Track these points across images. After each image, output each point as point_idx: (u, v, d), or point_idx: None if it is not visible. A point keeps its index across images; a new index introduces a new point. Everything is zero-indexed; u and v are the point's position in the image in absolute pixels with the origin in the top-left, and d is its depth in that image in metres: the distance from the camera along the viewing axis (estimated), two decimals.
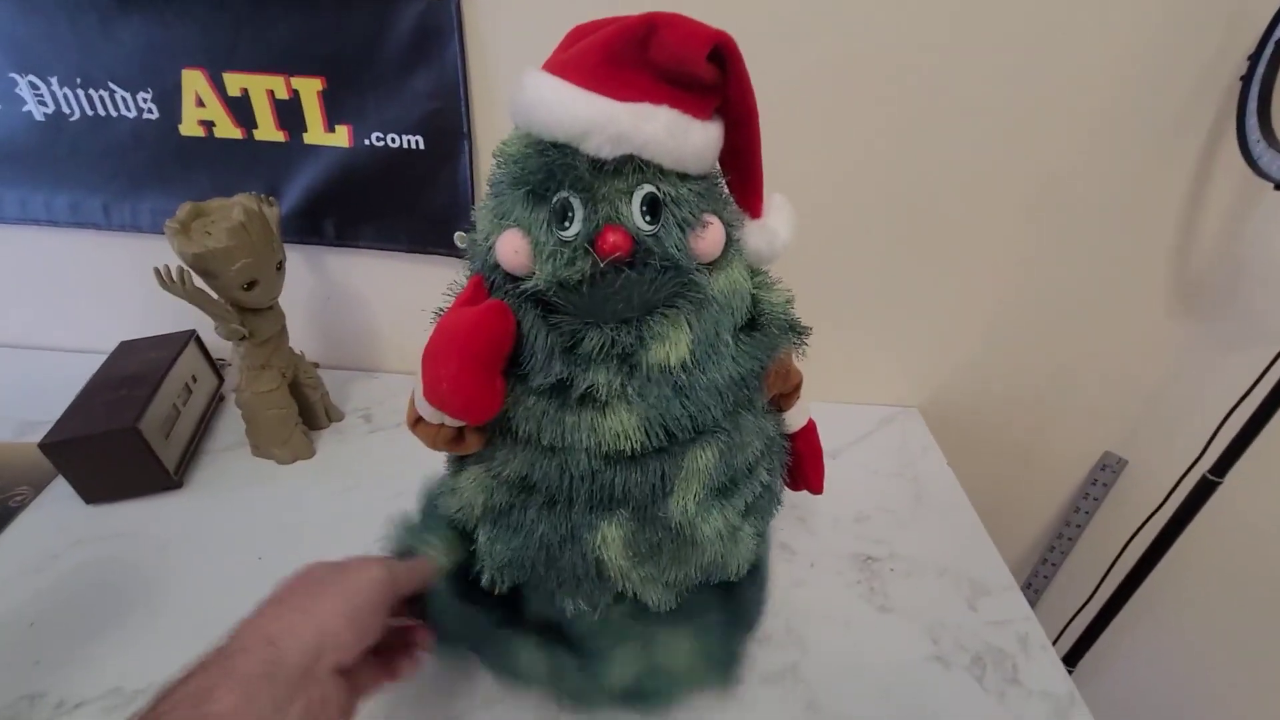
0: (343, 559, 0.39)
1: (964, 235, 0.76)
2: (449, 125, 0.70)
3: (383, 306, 0.86)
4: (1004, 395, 0.89)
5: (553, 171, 0.32)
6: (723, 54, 0.31)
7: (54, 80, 0.70)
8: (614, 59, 0.32)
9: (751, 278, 0.39)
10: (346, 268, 0.82)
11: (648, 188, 0.33)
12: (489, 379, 0.34)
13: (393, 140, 0.71)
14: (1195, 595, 0.80)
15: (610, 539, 0.39)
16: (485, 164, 0.73)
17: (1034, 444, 0.92)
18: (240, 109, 0.71)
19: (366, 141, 0.72)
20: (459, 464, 0.45)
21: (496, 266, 0.35)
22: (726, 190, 0.38)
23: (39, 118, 0.72)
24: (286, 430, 0.71)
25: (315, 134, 0.72)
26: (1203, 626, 0.80)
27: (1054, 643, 0.61)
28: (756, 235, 0.38)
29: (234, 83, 0.69)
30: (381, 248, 0.79)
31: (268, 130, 0.72)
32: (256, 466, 0.73)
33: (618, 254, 0.32)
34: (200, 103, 0.71)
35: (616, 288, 0.33)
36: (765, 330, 0.38)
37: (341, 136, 0.72)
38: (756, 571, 0.49)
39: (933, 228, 0.76)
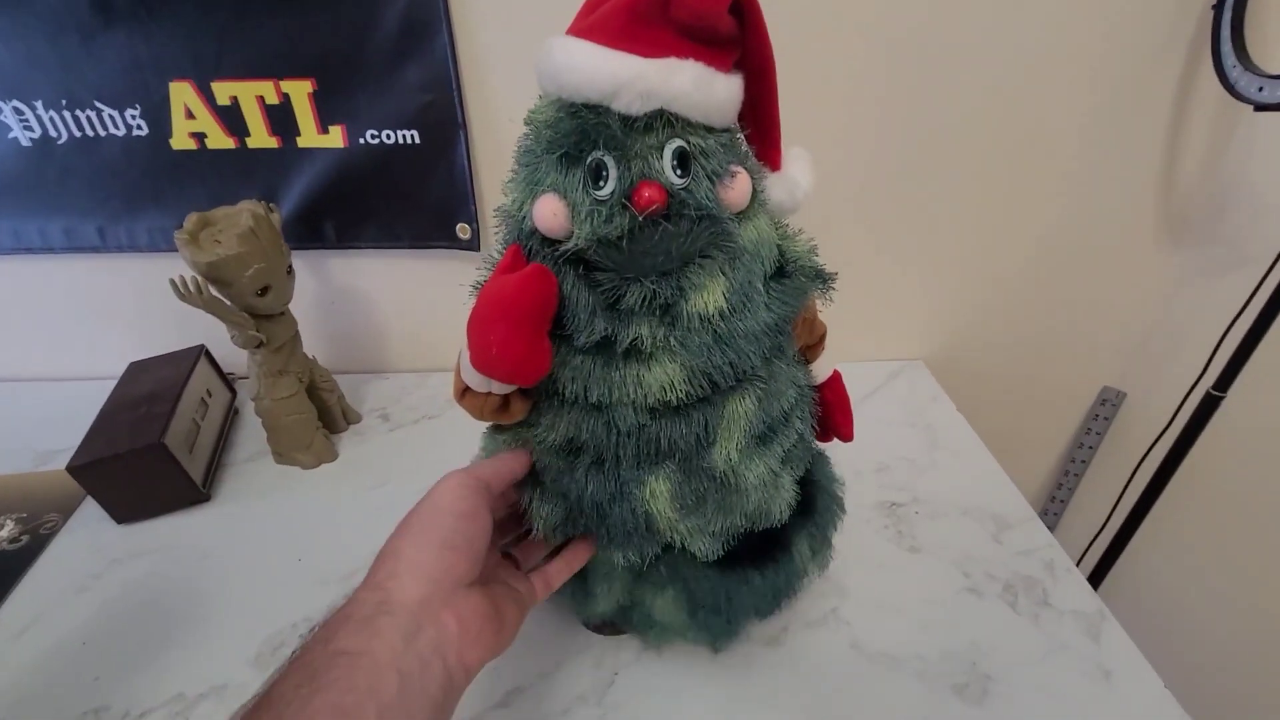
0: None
1: (954, 187, 0.78)
2: (443, 117, 0.70)
3: (388, 306, 0.86)
4: (1004, 340, 0.91)
5: (586, 132, 0.33)
6: (743, 6, 0.33)
7: (39, 104, 0.70)
8: (638, 18, 0.32)
9: (774, 228, 0.40)
10: (349, 269, 0.83)
11: (678, 141, 0.33)
12: (537, 340, 0.35)
13: (388, 136, 0.71)
14: (1206, 509, 0.83)
15: (658, 492, 0.40)
16: (482, 153, 0.74)
17: (1036, 385, 0.95)
18: (231, 118, 0.71)
19: (361, 140, 0.72)
20: (497, 433, 0.46)
21: (534, 233, 0.36)
22: (746, 144, 0.39)
23: (25, 143, 0.72)
24: (308, 434, 0.72)
25: (309, 137, 0.72)
26: (1216, 537, 0.83)
27: (1076, 566, 0.64)
28: (778, 186, 0.39)
29: (223, 91, 0.69)
30: (383, 246, 0.79)
31: (260, 137, 0.72)
32: (281, 473, 0.73)
33: (654, 207, 0.33)
34: (190, 114, 0.70)
35: (655, 240, 0.33)
36: (794, 277, 0.40)
37: (336, 137, 0.72)
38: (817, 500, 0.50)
39: (924, 182, 0.78)
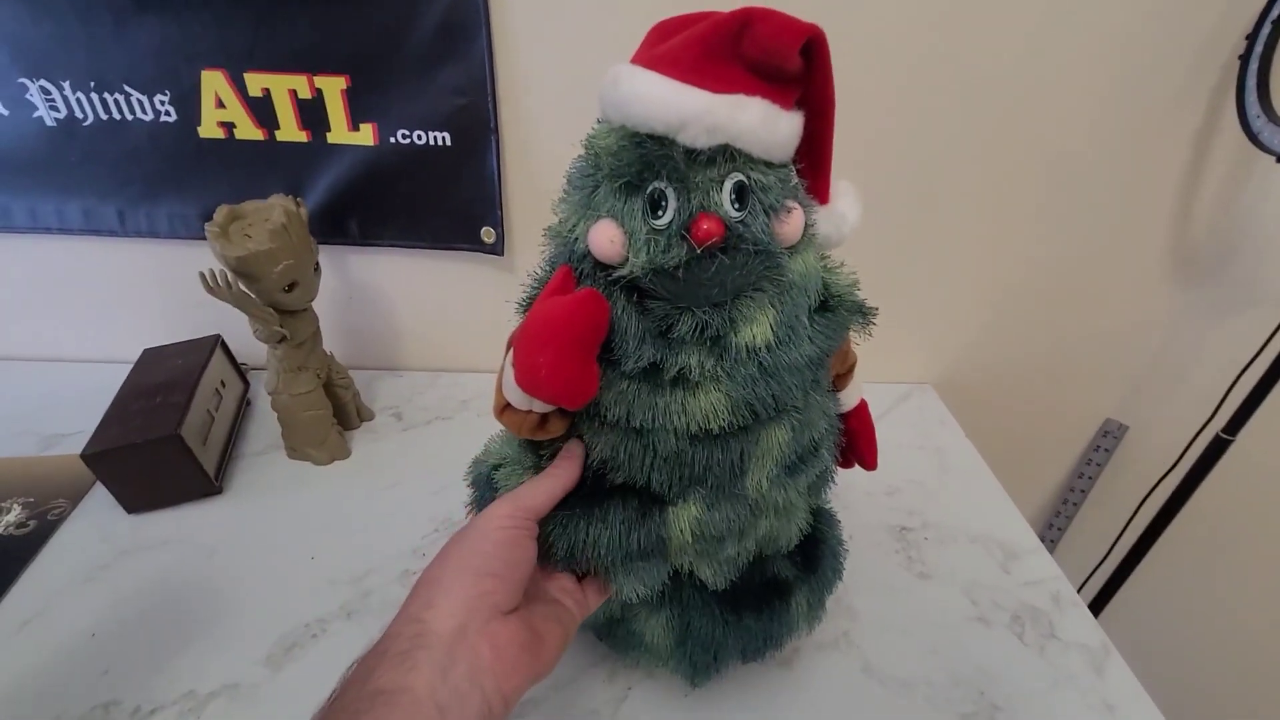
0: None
1: (969, 215, 0.79)
2: (476, 121, 0.70)
3: (405, 304, 0.86)
4: (1011, 368, 0.93)
5: (650, 162, 0.33)
6: (813, 47, 0.33)
7: (66, 84, 0.69)
8: (710, 53, 0.33)
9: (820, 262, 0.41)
10: (369, 266, 0.82)
11: (738, 175, 0.34)
12: (587, 364, 0.35)
13: (419, 137, 0.71)
14: (1208, 548, 0.85)
15: (686, 516, 0.40)
16: (513, 158, 0.74)
17: (1040, 413, 0.96)
18: (262, 109, 0.70)
19: (392, 140, 0.71)
20: (536, 448, 0.45)
21: (586, 256, 0.37)
22: (797, 178, 0.39)
23: (50, 123, 0.71)
24: (323, 431, 0.72)
25: (339, 133, 0.71)
26: (1217, 577, 0.85)
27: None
28: (825, 220, 0.40)
29: (255, 83, 0.69)
30: (404, 245, 0.79)
31: (290, 130, 0.71)
32: (294, 469, 0.73)
33: (713, 240, 0.33)
34: (220, 104, 0.70)
35: (711, 272, 0.34)
36: (836, 311, 0.40)
37: (366, 135, 0.71)
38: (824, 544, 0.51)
39: (938, 209, 0.79)
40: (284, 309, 0.64)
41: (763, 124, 0.33)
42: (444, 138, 0.71)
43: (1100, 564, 0.87)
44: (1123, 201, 0.78)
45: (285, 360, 0.67)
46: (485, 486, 0.49)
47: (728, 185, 0.34)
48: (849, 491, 0.72)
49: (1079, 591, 0.90)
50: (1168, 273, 0.83)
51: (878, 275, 0.85)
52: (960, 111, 0.72)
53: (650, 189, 0.34)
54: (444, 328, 0.87)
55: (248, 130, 0.71)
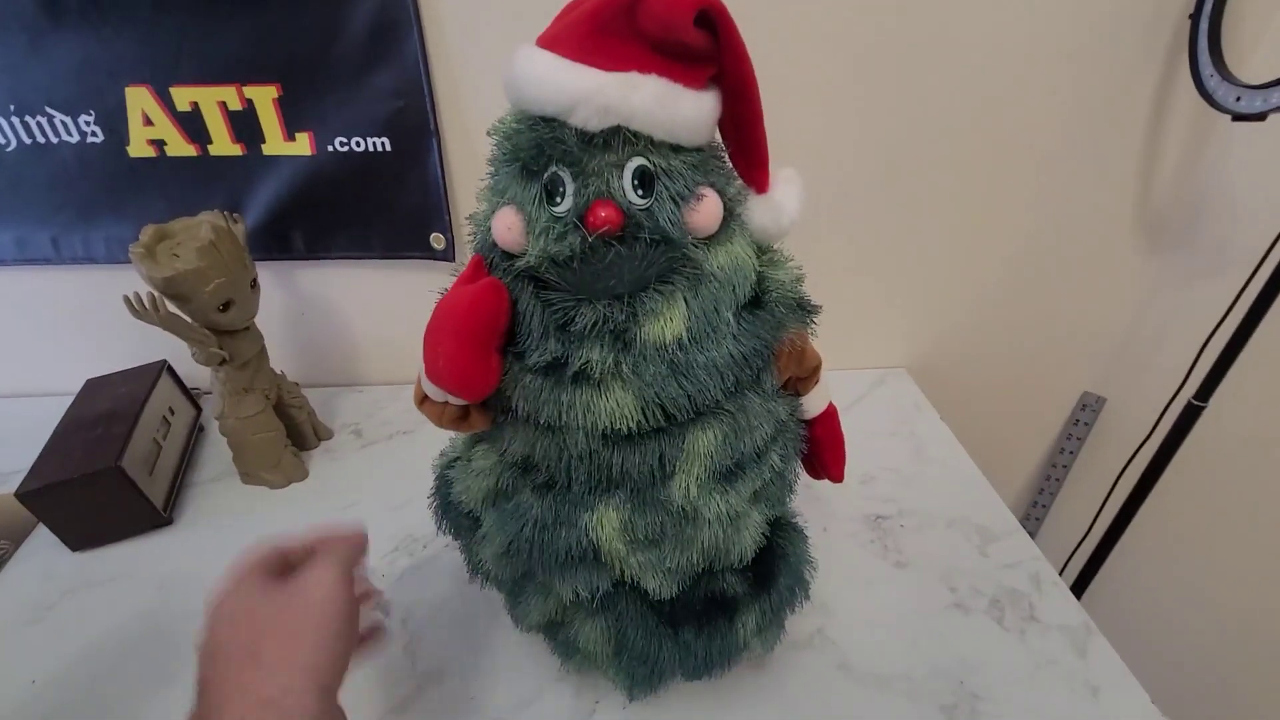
0: (290, 575, 0.36)
1: (935, 196, 0.78)
2: (415, 123, 0.68)
3: (360, 317, 0.83)
4: (986, 347, 0.91)
5: (542, 146, 0.32)
6: (712, 19, 0.31)
7: None
8: (603, 29, 0.31)
9: (759, 254, 0.38)
10: (319, 280, 0.80)
11: (639, 160, 0.32)
12: (483, 356, 0.34)
13: (357, 144, 0.69)
14: (1189, 518, 0.84)
15: (607, 521, 0.38)
16: (456, 161, 0.71)
17: (1018, 391, 0.95)
18: (192, 124, 0.68)
19: (330, 147, 0.69)
20: (474, 443, 0.44)
21: (495, 245, 0.35)
22: (729, 163, 0.37)
23: None
24: (276, 453, 0.69)
25: (274, 144, 0.69)
26: (1199, 547, 0.84)
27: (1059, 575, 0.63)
28: (761, 210, 0.37)
29: (182, 97, 0.66)
30: (354, 256, 0.77)
31: (223, 144, 0.69)
32: (249, 494, 0.70)
33: (606, 228, 0.31)
34: (148, 121, 0.67)
35: (607, 263, 0.32)
36: (769, 308, 0.37)
37: (303, 144, 0.69)
38: (785, 561, 0.47)
39: (904, 191, 0.77)
40: (222, 329, 0.61)
41: (659, 104, 0.31)
42: (383, 143, 0.69)
43: (1081, 542, 0.86)
44: (1088, 173, 0.76)
45: (229, 382, 0.65)
46: (442, 484, 0.48)
47: (629, 170, 0.32)
48: (821, 483, 0.70)
49: (1061, 572, 0.89)
50: (1137, 241, 0.82)
51: (850, 261, 0.85)
52: (924, 93, 0.70)
53: (546, 174, 0.32)
54: (401, 339, 0.84)
55: (179, 147, 0.69)
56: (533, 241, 0.33)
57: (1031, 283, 0.85)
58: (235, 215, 0.66)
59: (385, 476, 0.72)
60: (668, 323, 0.34)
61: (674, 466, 0.37)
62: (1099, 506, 0.83)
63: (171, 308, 0.57)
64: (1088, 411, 0.95)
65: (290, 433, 0.72)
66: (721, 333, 0.35)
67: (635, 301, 0.33)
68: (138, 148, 0.69)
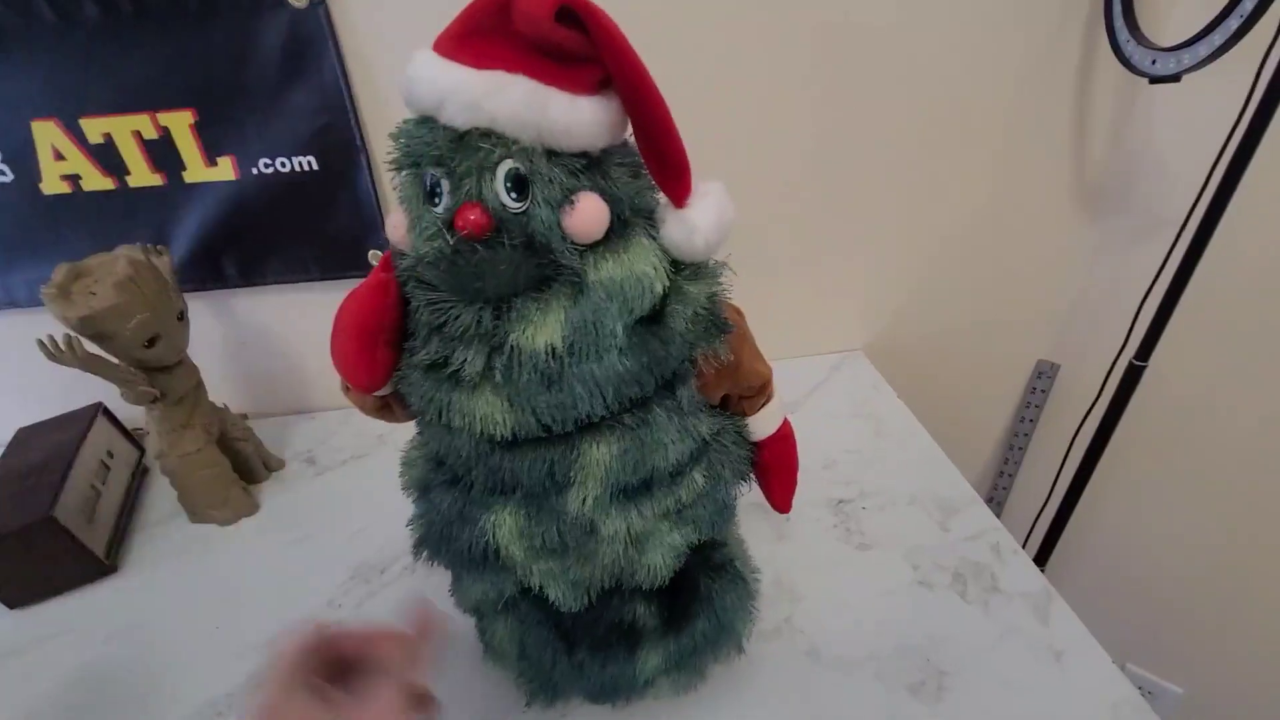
0: (344, 677, 0.33)
1: (879, 176, 0.78)
2: (341, 139, 0.67)
3: (304, 342, 0.81)
4: (940, 323, 0.92)
5: (414, 146, 0.32)
6: (576, 14, 0.29)
7: None
8: (477, 28, 0.30)
9: (678, 269, 0.36)
10: (257, 308, 0.78)
11: (510, 164, 0.31)
12: (368, 350, 0.35)
13: (282, 165, 0.67)
14: (1140, 478, 0.85)
15: (503, 524, 0.38)
16: (388, 175, 0.70)
17: (974, 364, 0.96)
18: (106, 156, 0.65)
19: (254, 170, 0.67)
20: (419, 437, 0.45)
21: None
22: (616, 170, 0.35)
23: None
24: (223, 489, 0.67)
25: (196, 171, 0.67)
26: (1152, 505, 0.85)
27: (1023, 547, 0.64)
28: (674, 226, 0.35)
29: (94, 129, 0.64)
30: (291, 280, 0.75)
31: (142, 175, 0.67)
32: (198, 533, 0.68)
33: (468, 232, 0.31)
34: (59, 156, 0.65)
35: (473, 266, 0.32)
36: (667, 323, 0.35)
37: (225, 169, 0.67)
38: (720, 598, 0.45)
39: (849, 174, 0.77)
40: (151, 366, 0.59)
41: (526, 106, 0.30)
42: (310, 162, 0.67)
43: (1041, 510, 0.87)
44: (1023, 144, 0.77)
45: (165, 420, 0.62)
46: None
47: (501, 173, 0.31)
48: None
49: (1025, 543, 0.91)
50: (1076, 208, 0.83)
51: (800, 249, 0.85)
52: (862, 73, 0.71)
53: (428, 176, 0.33)
54: None
55: (95, 180, 0.66)
56: (413, 240, 0.34)
57: (978, 256, 0.86)
58: (159, 247, 0.63)
59: (340, 503, 0.70)
60: (539, 330, 0.33)
61: (568, 477, 0.36)
62: (1055, 474, 0.84)
63: (92, 348, 0.55)
64: (1043, 379, 0.96)
65: (237, 466, 0.70)
66: (605, 345, 0.34)
67: (506, 308, 0.33)
68: (51, 184, 0.66)
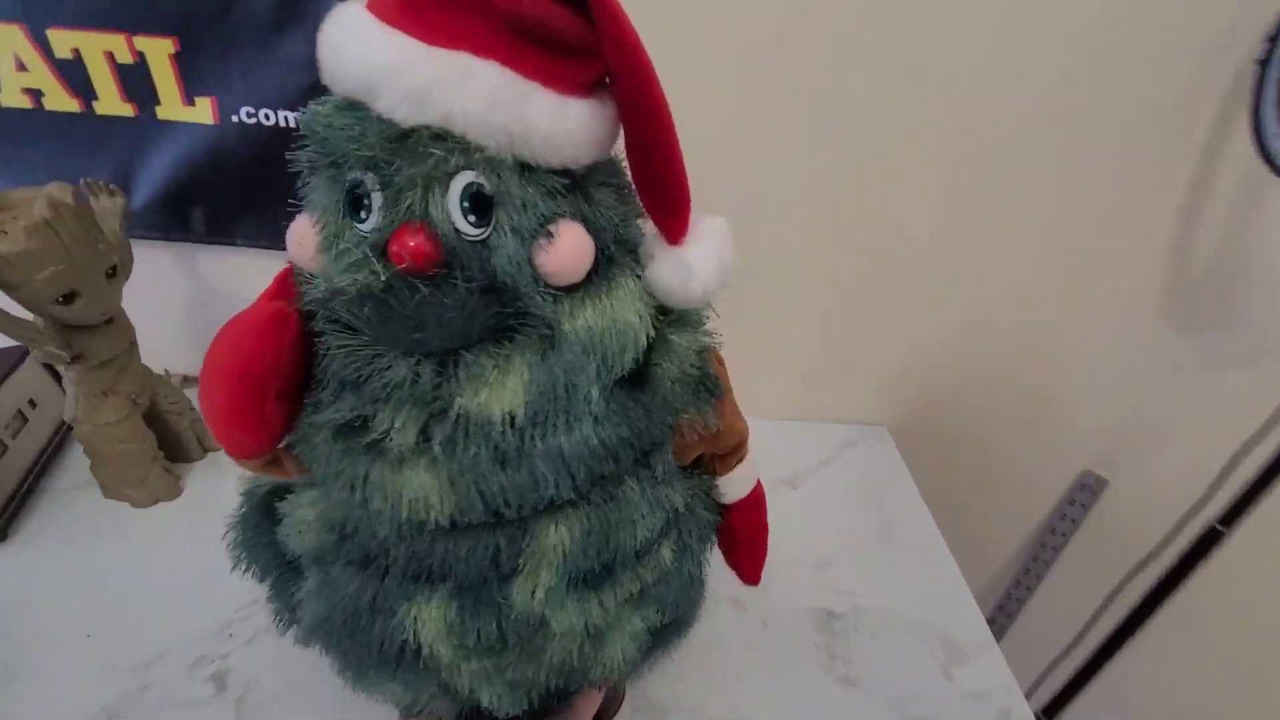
0: None
1: (930, 233, 0.67)
2: None
3: None
4: (978, 408, 0.81)
5: (336, 139, 0.24)
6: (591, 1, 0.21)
7: None
8: None
9: (662, 314, 0.29)
10: (223, 268, 0.70)
11: (468, 176, 0.24)
12: (253, 405, 0.27)
13: (266, 117, 0.59)
14: (1195, 651, 0.74)
15: (428, 618, 0.30)
16: None
17: (1008, 460, 0.85)
18: (74, 75, 0.58)
19: (234, 118, 0.59)
20: (284, 496, 0.35)
21: None
22: (634, 196, 0.28)
23: None
24: (141, 468, 0.59)
25: (171, 108, 0.59)
26: (1201, 685, 0.74)
27: (1028, 695, 0.54)
28: (667, 266, 0.28)
29: (62, 41, 0.56)
30: (264, 246, 0.67)
31: (111, 102, 0.59)
32: (110, 510, 0.60)
33: (411, 264, 0.23)
34: (22, 66, 0.57)
35: (413, 309, 0.24)
36: (655, 386, 0.29)
37: (204, 111, 0.59)
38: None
39: (893, 227, 0.67)
40: (71, 324, 0.52)
41: (494, 103, 0.22)
42: (296, 119, 0.59)
43: (1061, 658, 0.76)
44: (1111, 224, 0.66)
45: (84, 384, 0.55)
46: (263, 511, 0.37)
47: (455, 188, 0.24)
48: (770, 561, 0.61)
49: (1030, 692, 0.79)
50: (1164, 311, 0.71)
51: (827, 294, 0.75)
52: (925, 123, 0.60)
53: (349, 179, 0.24)
54: None
55: (59, 100, 0.59)
56: (327, 264, 0.26)
57: (1038, 340, 0.75)
58: (112, 187, 0.56)
59: None
60: (495, 394, 0.26)
61: (515, 564, 0.30)
62: (1088, 619, 0.73)
63: None
64: (1085, 492, 0.85)
65: (166, 443, 0.62)
66: (578, 413, 0.27)
67: (453, 364, 0.25)
68: (10, 96, 0.59)
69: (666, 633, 0.39)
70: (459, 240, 0.24)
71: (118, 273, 0.53)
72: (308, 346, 0.28)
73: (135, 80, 0.58)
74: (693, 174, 0.27)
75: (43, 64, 0.57)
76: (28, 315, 0.50)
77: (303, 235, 0.26)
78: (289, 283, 0.29)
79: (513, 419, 0.26)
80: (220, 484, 0.65)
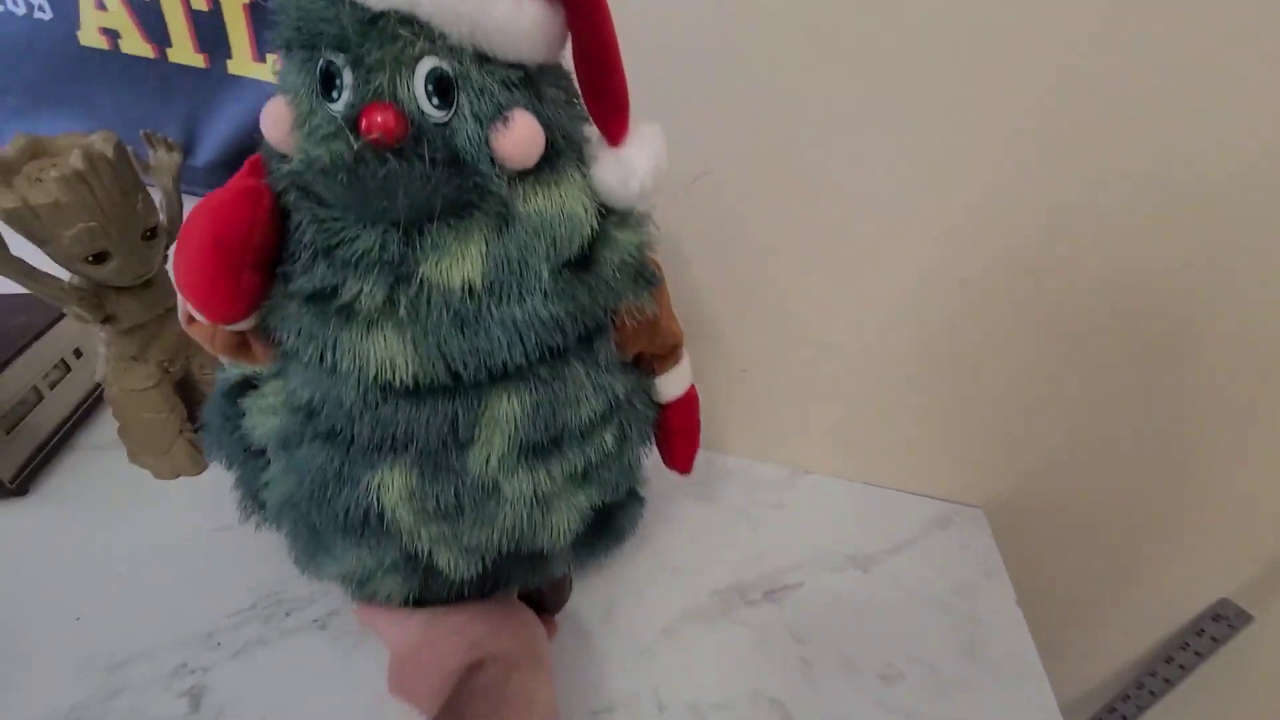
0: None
1: (1059, 290, 0.55)
2: None
3: None
4: (1095, 501, 0.68)
5: (310, 22, 0.27)
6: None
7: None
8: None
9: (606, 214, 0.33)
10: None
11: (432, 62, 0.27)
12: (228, 272, 0.30)
13: None
14: None
15: (391, 484, 0.34)
16: None
17: (1127, 570, 0.71)
18: (150, 18, 0.55)
19: None
20: (247, 392, 0.38)
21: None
22: (581, 104, 0.32)
23: None
24: (166, 438, 0.56)
25: (241, 62, 0.55)
26: None
27: None
28: (608, 166, 0.32)
29: None
30: None
31: (184, 50, 0.55)
32: (130, 477, 0.58)
33: (375, 137, 0.26)
34: (101, 4, 0.55)
35: (380, 180, 0.26)
36: (599, 270, 0.33)
37: (273, 70, 0.54)
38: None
39: (1017, 286, 0.55)
40: (104, 284, 0.48)
41: None
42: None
43: None
44: None
45: (114, 346, 0.52)
46: (228, 407, 0.39)
47: (421, 72, 0.27)
48: (824, 660, 0.51)
49: None
50: None
51: (929, 360, 0.64)
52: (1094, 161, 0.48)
53: (321, 61, 0.27)
54: None
55: (135, 43, 0.56)
56: (300, 141, 0.28)
57: (1182, 431, 0.61)
58: (170, 141, 0.52)
59: None
60: (456, 264, 0.29)
61: (471, 434, 0.33)
62: None
63: (22, 248, 0.44)
64: (1221, 625, 0.70)
65: (199, 414, 0.59)
66: (529, 287, 0.31)
67: (418, 234, 0.29)
68: (89, 35, 0.56)
69: (606, 538, 0.45)
70: (423, 120, 0.27)
71: (158, 234, 0.49)
72: (278, 224, 0.30)
73: (209, 29, 0.54)
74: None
75: (121, 4, 0.54)
76: (60, 272, 0.47)
77: (278, 115, 0.28)
78: (260, 165, 0.31)
79: (471, 288, 0.29)
80: None
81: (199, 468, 0.59)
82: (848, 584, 0.59)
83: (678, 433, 0.45)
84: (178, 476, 0.58)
